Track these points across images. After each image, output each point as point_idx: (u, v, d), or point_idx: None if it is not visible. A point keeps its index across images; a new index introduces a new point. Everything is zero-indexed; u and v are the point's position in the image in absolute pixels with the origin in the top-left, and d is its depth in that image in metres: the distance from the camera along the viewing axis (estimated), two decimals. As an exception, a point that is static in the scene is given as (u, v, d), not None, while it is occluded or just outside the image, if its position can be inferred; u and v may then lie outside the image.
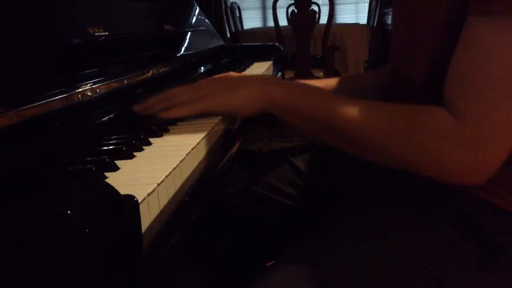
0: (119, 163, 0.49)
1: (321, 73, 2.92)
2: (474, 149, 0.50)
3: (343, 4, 5.02)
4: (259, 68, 1.33)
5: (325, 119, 0.59)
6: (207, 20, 1.45)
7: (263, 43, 1.68)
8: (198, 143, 0.57)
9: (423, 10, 0.59)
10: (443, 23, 0.55)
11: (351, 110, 0.57)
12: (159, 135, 0.62)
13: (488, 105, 0.49)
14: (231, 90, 0.65)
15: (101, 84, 0.67)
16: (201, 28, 1.37)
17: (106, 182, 0.37)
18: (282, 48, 1.58)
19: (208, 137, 0.62)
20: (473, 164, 0.51)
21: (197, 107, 0.65)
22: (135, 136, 0.58)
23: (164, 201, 0.45)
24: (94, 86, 0.65)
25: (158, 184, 0.44)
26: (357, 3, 5.07)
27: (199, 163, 0.58)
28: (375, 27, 3.34)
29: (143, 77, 0.82)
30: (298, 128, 0.63)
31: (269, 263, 0.63)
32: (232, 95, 0.64)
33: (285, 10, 3.01)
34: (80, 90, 0.62)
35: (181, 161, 0.51)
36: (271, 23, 3.51)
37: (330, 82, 0.87)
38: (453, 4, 0.52)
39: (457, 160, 0.51)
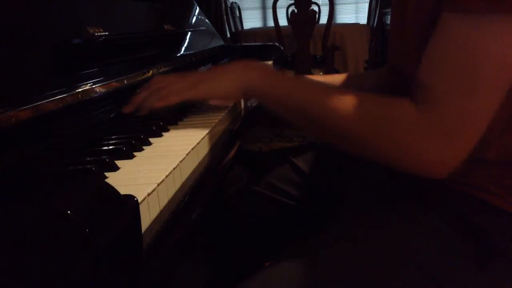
0: (119, 163, 0.49)
1: (321, 73, 2.92)
2: (440, 140, 0.51)
3: (343, 4, 5.02)
4: (259, 68, 1.32)
5: (299, 106, 0.61)
6: (207, 20, 1.45)
7: (263, 43, 1.68)
8: (198, 143, 0.57)
9: (412, 10, 0.61)
10: (430, 22, 0.56)
11: (326, 99, 0.59)
12: (159, 135, 0.62)
13: (456, 95, 0.50)
14: (218, 76, 0.68)
15: (101, 84, 0.67)
16: (201, 28, 1.37)
17: (106, 182, 0.37)
18: (282, 48, 1.58)
19: (208, 137, 0.62)
20: (439, 155, 0.52)
21: (186, 95, 0.67)
22: (135, 136, 0.58)
23: (164, 201, 0.45)
24: (94, 86, 0.65)
25: (158, 184, 0.44)
26: (357, 3, 5.06)
27: (199, 163, 0.58)
28: (375, 27, 3.33)
29: (143, 77, 0.82)
30: (276, 114, 0.65)
31: (268, 263, 0.63)
32: (219, 81, 0.68)
33: (285, 10, 3.01)
34: (80, 90, 0.62)
35: (181, 161, 0.51)
36: (271, 23, 3.51)
37: (335, 79, 0.87)
38: (437, 3, 0.53)
39: (424, 150, 0.52)
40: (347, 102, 0.58)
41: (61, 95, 0.58)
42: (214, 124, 0.66)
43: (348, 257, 0.58)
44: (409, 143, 0.53)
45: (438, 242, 0.57)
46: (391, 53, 0.73)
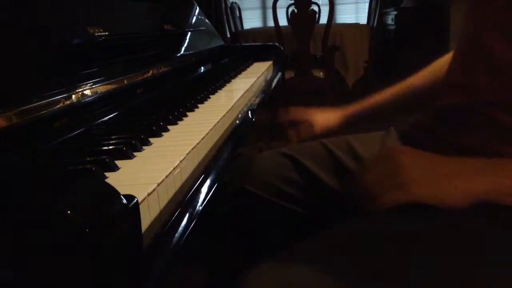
0: (119, 163, 0.49)
1: (321, 73, 2.92)
2: None
3: (343, 4, 5.02)
4: (259, 68, 1.33)
5: None
6: (207, 20, 1.45)
7: (263, 43, 1.68)
8: (198, 143, 0.57)
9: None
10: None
11: None
12: (159, 135, 0.62)
13: None
14: (444, 179, 0.54)
15: (101, 84, 0.67)
16: (201, 28, 1.37)
17: (106, 182, 0.37)
18: (282, 48, 1.58)
19: (208, 137, 0.62)
20: None
21: (399, 197, 0.56)
22: (135, 136, 0.58)
23: (164, 201, 0.45)
24: (94, 86, 0.65)
25: (158, 184, 0.44)
26: (357, 3, 5.06)
27: (199, 163, 0.58)
28: (375, 27, 3.34)
29: (143, 77, 0.82)
30: None
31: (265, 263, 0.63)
32: (445, 186, 0.54)
33: (285, 10, 3.01)
34: (80, 90, 0.62)
35: (181, 161, 0.51)
36: (271, 23, 3.51)
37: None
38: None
39: None
40: None
41: (61, 95, 0.58)
42: (214, 124, 0.66)
43: (345, 253, 0.58)
44: None
45: (438, 237, 0.58)
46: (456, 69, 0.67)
